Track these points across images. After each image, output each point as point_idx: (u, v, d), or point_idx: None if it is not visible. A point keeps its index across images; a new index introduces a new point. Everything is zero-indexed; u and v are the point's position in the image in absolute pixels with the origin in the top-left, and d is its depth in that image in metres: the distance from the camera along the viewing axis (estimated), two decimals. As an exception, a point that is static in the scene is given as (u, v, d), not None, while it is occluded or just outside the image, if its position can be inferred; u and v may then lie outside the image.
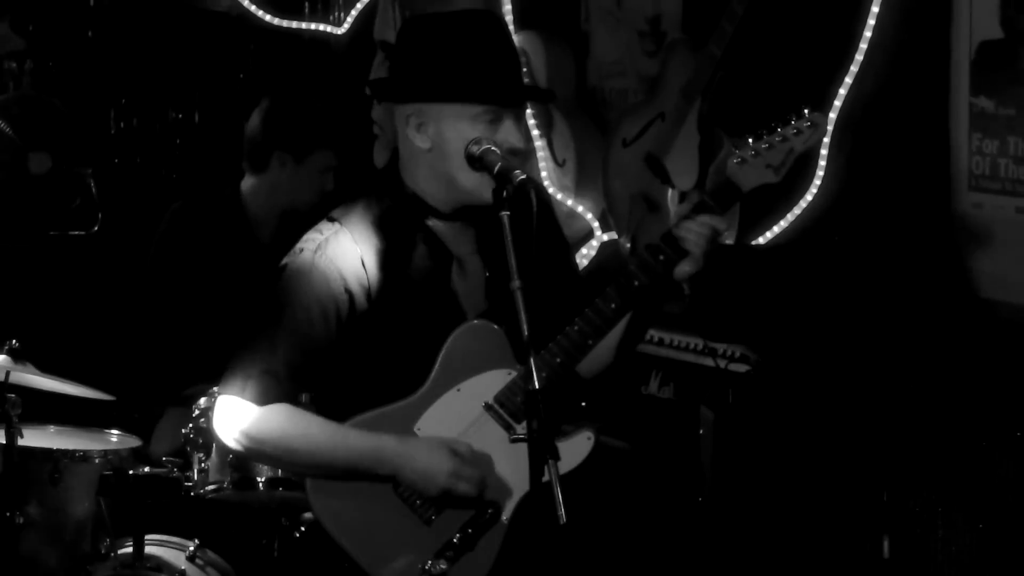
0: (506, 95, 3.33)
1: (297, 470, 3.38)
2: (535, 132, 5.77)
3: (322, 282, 3.32)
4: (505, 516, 3.33)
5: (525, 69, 5.75)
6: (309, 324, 3.31)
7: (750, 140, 3.35)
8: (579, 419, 3.45)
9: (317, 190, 5.05)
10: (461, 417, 3.35)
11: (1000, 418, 4.34)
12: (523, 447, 3.00)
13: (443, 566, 3.29)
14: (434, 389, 3.35)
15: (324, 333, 3.31)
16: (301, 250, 3.38)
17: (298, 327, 3.31)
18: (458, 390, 3.35)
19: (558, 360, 3.31)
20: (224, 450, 4.12)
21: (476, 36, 3.35)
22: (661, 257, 3.34)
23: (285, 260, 3.40)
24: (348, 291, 3.33)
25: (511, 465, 3.31)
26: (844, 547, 4.58)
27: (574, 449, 3.38)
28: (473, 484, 3.28)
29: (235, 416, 3.31)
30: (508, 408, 3.34)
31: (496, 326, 3.35)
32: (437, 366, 3.34)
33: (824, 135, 3.32)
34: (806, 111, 3.35)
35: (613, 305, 3.34)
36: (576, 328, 3.33)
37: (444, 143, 3.33)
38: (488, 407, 3.34)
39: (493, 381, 3.35)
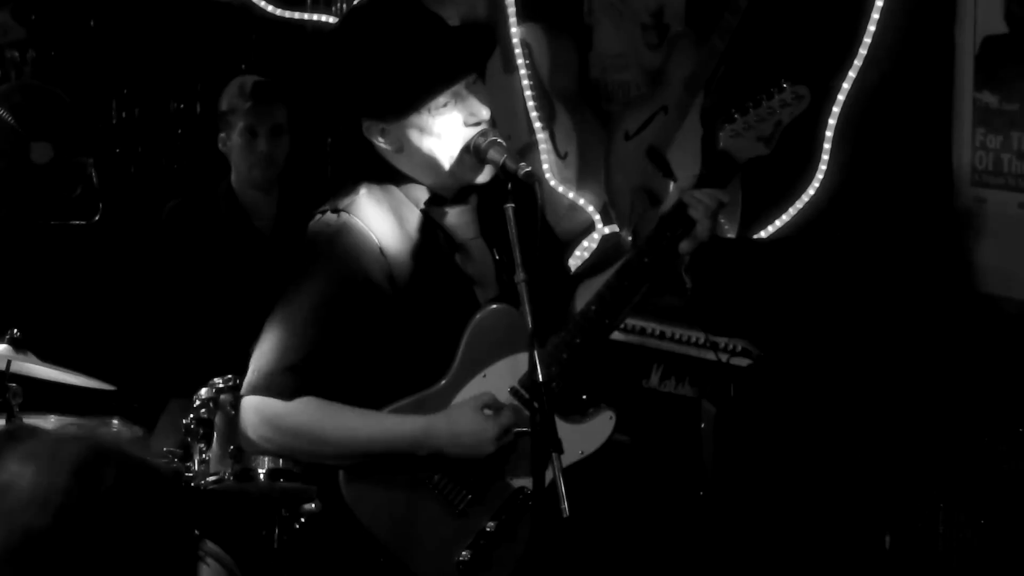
0: (448, 77, 3.29)
1: (333, 461, 3.33)
2: (537, 125, 5.76)
3: (343, 273, 3.28)
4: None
5: (527, 61, 5.77)
6: (331, 316, 3.27)
7: (737, 115, 3.40)
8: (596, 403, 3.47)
9: (262, 158, 5.04)
10: None
11: (1003, 414, 4.34)
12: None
13: (476, 555, 3.30)
14: (460, 376, 3.33)
15: (346, 324, 3.27)
16: (314, 243, 3.33)
17: (319, 320, 3.26)
18: (484, 376, 3.34)
19: (577, 340, 3.32)
20: (225, 441, 4.11)
21: (404, 35, 3.28)
22: (667, 233, 3.36)
23: (300, 254, 3.35)
24: (370, 280, 3.28)
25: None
26: (845, 542, 4.57)
27: (597, 429, 3.41)
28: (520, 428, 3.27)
29: (263, 415, 3.27)
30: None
31: (515, 309, 3.29)
32: (460, 353, 3.33)
33: (807, 106, 3.42)
34: (787, 84, 3.41)
35: (625, 283, 3.35)
36: (593, 308, 3.34)
37: (411, 142, 3.31)
38: (514, 391, 3.33)
39: (517, 365, 3.33)
